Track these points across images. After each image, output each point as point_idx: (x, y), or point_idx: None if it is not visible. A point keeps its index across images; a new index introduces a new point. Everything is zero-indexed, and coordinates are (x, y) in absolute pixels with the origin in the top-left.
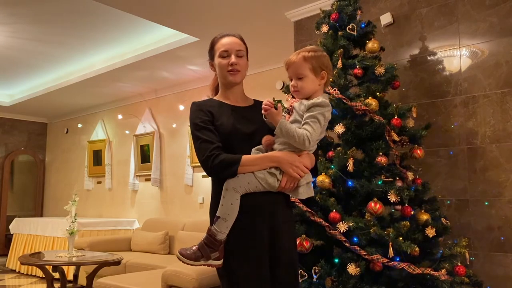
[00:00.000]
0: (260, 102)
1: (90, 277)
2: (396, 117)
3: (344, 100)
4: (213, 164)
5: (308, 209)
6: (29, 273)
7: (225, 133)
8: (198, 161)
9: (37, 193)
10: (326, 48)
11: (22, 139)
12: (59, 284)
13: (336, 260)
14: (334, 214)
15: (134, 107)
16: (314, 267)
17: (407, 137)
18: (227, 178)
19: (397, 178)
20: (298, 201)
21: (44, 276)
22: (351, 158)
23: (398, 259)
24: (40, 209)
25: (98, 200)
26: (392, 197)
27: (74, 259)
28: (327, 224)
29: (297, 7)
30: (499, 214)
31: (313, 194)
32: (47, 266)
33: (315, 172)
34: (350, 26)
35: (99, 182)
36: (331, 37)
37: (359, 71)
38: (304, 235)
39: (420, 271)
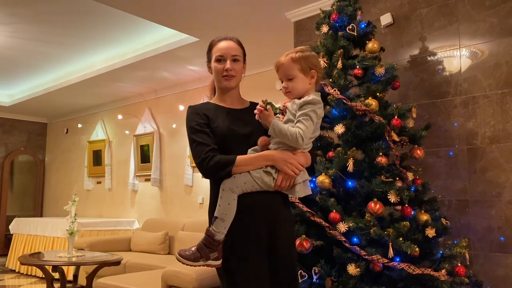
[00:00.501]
0: (256, 104)
1: (90, 277)
2: (396, 117)
3: (344, 101)
4: (209, 166)
5: (308, 210)
6: (29, 273)
7: (221, 135)
8: None
9: (37, 193)
10: (326, 48)
11: (22, 139)
12: (59, 284)
13: (336, 261)
14: (334, 215)
15: (134, 107)
16: (314, 267)
17: (407, 137)
18: (223, 179)
19: (397, 178)
20: (298, 201)
21: (44, 276)
22: (351, 159)
23: (398, 259)
24: (40, 209)
25: (98, 200)
26: (392, 198)
27: (74, 259)
28: (327, 225)
29: (297, 7)
30: (499, 215)
31: (310, 193)
32: (47, 266)
33: (312, 171)
34: (350, 27)
35: (99, 182)
36: (331, 38)
37: (359, 71)
38: (304, 235)
39: (420, 272)
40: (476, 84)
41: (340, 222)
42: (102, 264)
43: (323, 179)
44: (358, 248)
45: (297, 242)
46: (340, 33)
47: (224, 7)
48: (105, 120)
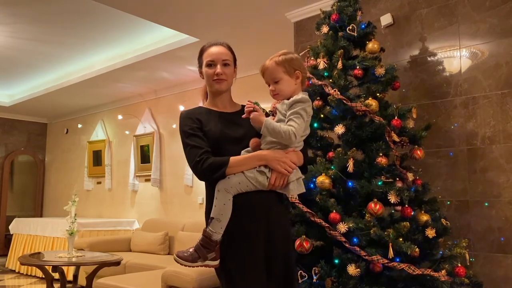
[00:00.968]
0: None
1: (90, 278)
2: (396, 117)
3: (344, 101)
4: (202, 168)
5: (308, 210)
6: (29, 274)
7: (214, 139)
8: None
9: (37, 194)
10: (326, 48)
11: (22, 139)
12: (58, 285)
13: (336, 261)
14: (334, 215)
15: (134, 107)
16: (314, 268)
17: (407, 138)
18: (218, 181)
19: (397, 179)
20: (298, 201)
21: (43, 276)
22: (351, 159)
23: (398, 260)
24: (40, 210)
25: (98, 200)
26: (392, 198)
27: (74, 259)
28: (327, 225)
29: (298, 7)
30: (499, 215)
31: (304, 190)
32: (46, 267)
33: (304, 170)
34: (350, 27)
35: (99, 183)
36: (331, 38)
37: (359, 71)
38: (304, 236)
39: (420, 272)
40: (476, 84)
41: (340, 223)
42: (102, 265)
43: (323, 179)
44: (358, 249)
45: (297, 242)
46: (340, 34)
47: (224, 8)
48: (105, 120)
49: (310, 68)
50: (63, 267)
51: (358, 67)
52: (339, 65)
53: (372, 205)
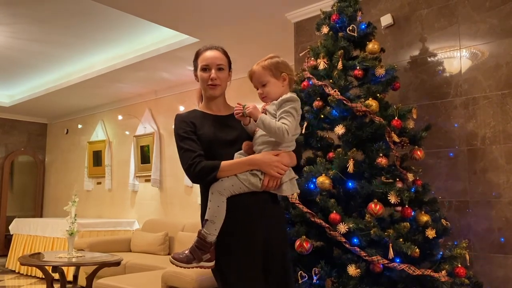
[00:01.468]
0: None
1: (90, 278)
2: (396, 118)
3: (344, 101)
4: (195, 172)
5: (308, 210)
6: (29, 274)
7: (207, 142)
8: None
9: (37, 194)
10: (326, 49)
11: (22, 139)
12: (58, 285)
13: (336, 261)
14: (334, 215)
15: (134, 107)
16: (314, 268)
17: (407, 138)
18: (211, 183)
19: (397, 179)
20: (298, 202)
21: (43, 276)
22: (352, 159)
23: (398, 260)
24: (40, 210)
25: (98, 200)
26: (392, 198)
27: (74, 259)
28: (327, 225)
29: (298, 8)
30: (499, 216)
31: (298, 191)
32: (46, 267)
33: (298, 170)
34: (350, 27)
35: (99, 183)
36: (332, 38)
37: (360, 72)
38: (304, 236)
39: (420, 272)
40: (476, 85)
41: (340, 223)
42: (102, 265)
43: (323, 180)
44: (358, 249)
45: (297, 243)
46: (340, 34)
47: (224, 8)
48: (105, 121)
49: (310, 68)
50: (63, 268)
51: (358, 67)
52: (339, 65)
53: (372, 205)
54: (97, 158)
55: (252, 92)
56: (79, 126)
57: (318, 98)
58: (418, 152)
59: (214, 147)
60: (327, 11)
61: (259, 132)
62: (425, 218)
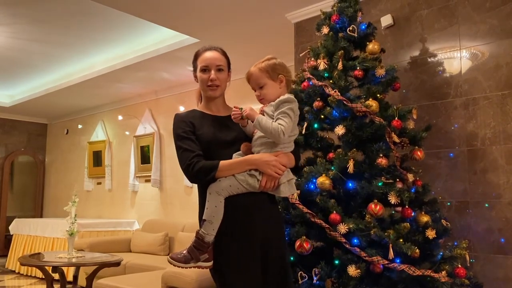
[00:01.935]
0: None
1: (90, 278)
2: (396, 118)
3: (344, 102)
4: (193, 172)
5: (309, 211)
6: (29, 274)
7: (206, 142)
8: None
9: (37, 194)
10: (326, 49)
11: (22, 139)
12: (58, 285)
13: (336, 262)
14: (334, 216)
15: (134, 108)
16: (314, 269)
17: (408, 138)
18: (209, 184)
19: (398, 179)
20: (298, 202)
21: (43, 277)
22: (352, 160)
23: (398, 260)
24: (40, 210)
25: (98, 201)
26: (393, 199)
27: (74, 260)
28: (327, 226)
29: (298, 8)
30: (499, 216)
31: (295, 192)
32: (46, 267)
33: (297, 171)
34: (350, 28)
35: (99, 183)
36: (332, 39)
37: (360, 72)
38: (304, 237)
39: (420, 273)
40: (477, 85)
41: (341, 223)
42: (102, 265)
43: (323, 180)
44: (359, 249)
45: (298, 243)
46: (340, 35)
47: (225, 9)
48: (105, 121)
49: (310, 69)
50: (63, 268)
51: (358, 68)
52: (340, 66)
53: (373, 206)
54: (97, 158)
55: (251, 93)
56: (79, 126)
57: (318, 99)
58: (418, 153)
59: (213, 147)
60: (327, 11)
61: (258, 133)
62: (425, 218)
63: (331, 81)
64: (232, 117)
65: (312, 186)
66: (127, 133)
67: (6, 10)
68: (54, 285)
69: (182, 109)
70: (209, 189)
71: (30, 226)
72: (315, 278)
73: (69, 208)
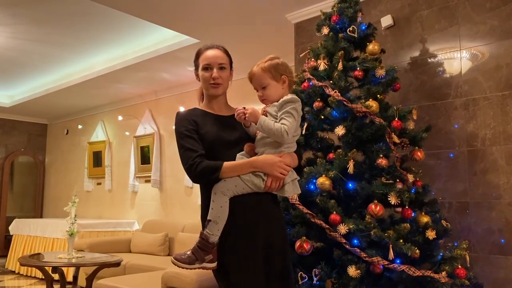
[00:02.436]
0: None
1: (90, 279)
2: (396, 119)
3: (344, 102)
4: (196, 172)
5: (309, 211)
6: (29, 274)
7: (209, 141)
8: None
9: (37, 194)
10: (326, 50)
11: (22, 140)
12: (58, 285)
13: (337, 262)
14: (334, 216)
15: (134, 108)
16: (314, 269)
17: (408, 139)
18: (212, 184)
19: (398, 180)
20: (298, 203)
21: (43, 277)
22: (352, 160)
23: (398, 261)
24: (40, 210)
25: (98, 201)
26: (393, 199)
27: (73, 260)
28: (327, 226)
29: (298, 9)
30: (500, 217)
31: (299, 192)
32: (46, 267)
33: (299, 171)
34: (350, 28)
35: (99, 183)
36: (332, 39)
37: (360, 73)
38: (304, 237)
39: (421, 274)
40: (477, 86)
41: (341, 224)
42: (102, 265)
43: (323, 180)
44: (359, 250)
45: (298, 243)
46: (340, 35)
47: (225, 9)
48: (105, 121)
49: (310, 69)
50: (63, 268)
51: (358, 68)
52: (340, 66)
53: (373, 206)
54: (97, 159)
55: (253, 93)
56: (79, 126)
57: (318, 99)
58: (418, 153)
59: (217, 147)
60: (327, 12)
61: (261, 133)
62: (425, 219)
63: (331, 81)
64: (235, 116)
65: (312, 187)
66: (127, 133)
67: (6, 11)
68: (54, 286)
69: (182, 109)
70: (214, 189)
71: (30, 226)
72: (315, 279)
73: (69, 209)
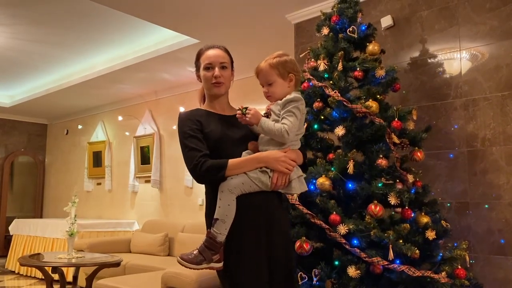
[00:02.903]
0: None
1: (90, 279)
2: (396, 119)
3: (344, 103)
4: (201, 171)
5: (308, 211)
6: (29, 275)
7: (215, 139)
8: None
9: (36, 194)
10: (326, 50)
11: (22, 140)
12: (58, 286)
13: (336, 263)
14: (334, 217)
15: (134, 108)
16: (314, 270)
17: (408, 139)
18: (218, 182)
19: (397, 180)
20: (298, 203)
21: (43, 277)
22: (352, 161)
23: (398, 261)
24: (40, 210)
25: (98, 201)
26: (392, 200)
27: (73, 260)
28: (327, 227)
29: (298, 9)
30: (499, 217)
31: (306, 188)
32: (46, 268)
33: (305, 169)
34: (350, 29)
35: (99, 184)
36: (332, 40)
37: (360, 73)
38: (304, 237)
39: (420, 274)
40: (477, 86)
41: (340, 224)
42: (102, 266)
43: (323, 181)
44: (358, 250)
45: (297, 244)
46: (340, 35)
47: (225, 9)
48: (105, 122)
49: (310, 69)
50: (62, 268)
51: (358, 68)
52: (340, 66)
53: (372, 206)
54: (97, 159)
55: (253, 93)
56: (79, 126)
57: (318, 99)
58: (418, 154)
59: (222, 146)
60: (327, 12)
61: None
62: (425, 219)
63: (331, 82)
64: (237, 116)
65: (312, 187)
66: (127, 133)
67: (6, 11)
68: (53, 286)
69: (182, 109)
70: (221, 187)
71: (30, 226)
72: (315, 279)
73: (69, 209)
